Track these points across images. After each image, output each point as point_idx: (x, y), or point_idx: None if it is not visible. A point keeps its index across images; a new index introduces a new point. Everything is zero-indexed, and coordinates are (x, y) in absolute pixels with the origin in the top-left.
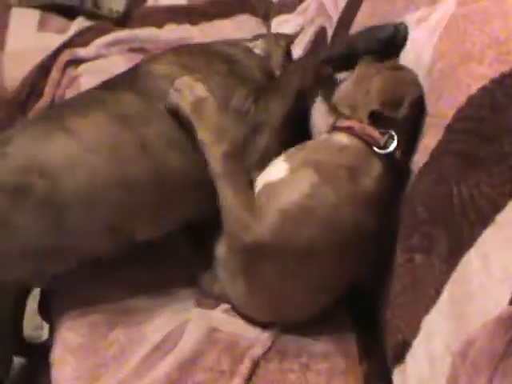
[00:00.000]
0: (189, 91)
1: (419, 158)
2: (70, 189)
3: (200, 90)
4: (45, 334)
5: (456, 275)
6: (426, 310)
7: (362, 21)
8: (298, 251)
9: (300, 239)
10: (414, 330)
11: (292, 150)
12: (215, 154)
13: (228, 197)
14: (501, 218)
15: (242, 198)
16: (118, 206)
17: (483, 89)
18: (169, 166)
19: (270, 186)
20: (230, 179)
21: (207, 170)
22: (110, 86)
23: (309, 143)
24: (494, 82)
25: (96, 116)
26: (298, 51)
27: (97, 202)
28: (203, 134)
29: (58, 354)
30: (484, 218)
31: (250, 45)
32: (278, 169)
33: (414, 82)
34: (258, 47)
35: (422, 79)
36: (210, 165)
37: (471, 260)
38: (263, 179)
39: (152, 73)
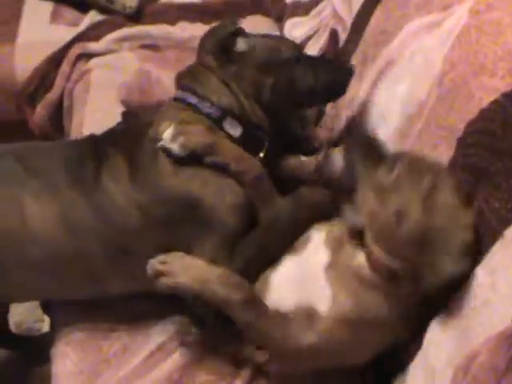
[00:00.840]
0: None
1: None
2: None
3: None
4: (45, 327)
5: (462, 291)
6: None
7: (376, 25)
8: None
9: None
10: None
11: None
12: (236, 308)
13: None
14: (509, 233)
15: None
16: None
17: (495, 102)
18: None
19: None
20: (261, 322)
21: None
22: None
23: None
24: (505, 95)
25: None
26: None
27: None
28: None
29: (59, 348)
30: (492, 233)
31: None
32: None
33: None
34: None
35: (432, 88)
36: (238, 318)
37: (477, 275)
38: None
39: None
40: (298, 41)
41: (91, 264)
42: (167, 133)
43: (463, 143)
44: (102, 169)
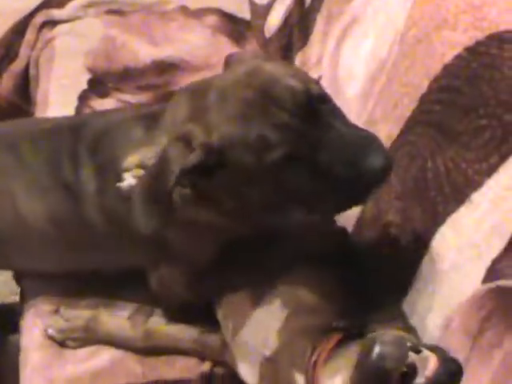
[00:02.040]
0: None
1: (393, 130)
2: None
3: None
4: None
5: (430, 252)
6: (405, 288)
7: None
8: None
9: None
10: None
11: None
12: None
13: None
14: (477, 197)
15: None
16: None
17: (458, 57)
18: None
19: None
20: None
21: None
22: None
23: None
24: (468, 50)
25: None
26: (277, 17)
27: None
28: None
29: (28, 320)
30: (459, 194)
31: None
32: None
33: None
34: None
35: (393, 45)
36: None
37: (445, 237)
38: None
39: None
40: (264, 3)
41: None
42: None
43: (427, 100)
44: (77, 171)
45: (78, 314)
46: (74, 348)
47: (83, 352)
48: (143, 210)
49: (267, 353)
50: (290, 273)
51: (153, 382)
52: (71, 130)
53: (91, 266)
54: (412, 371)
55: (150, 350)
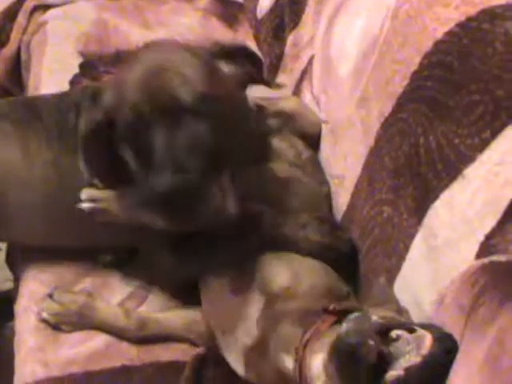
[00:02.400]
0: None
1: (385, 107)
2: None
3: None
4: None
5: (424, 229)
6: (398, 266)
7: None
8: None
9: None
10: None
11: None
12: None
13: None
14: (469, 172)
15: None
16: None
17: (449, 33)
18: None
19: None
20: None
21: None
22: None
23: None
24: (460, 26)
25: None
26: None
27: None
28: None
29: (22, 304)
30: (451, 170)
31: None
32: None
33: None
34: None
35: (385, 22)
36: None
37: (438, 213)
38: None
39: None
40: None
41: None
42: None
43: (419, 76)
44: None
45: (73, 299)
46: (68, 332)
47: (78, 335)
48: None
49: (249, 342)
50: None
51: (148, 364)
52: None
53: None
54: (386, 361)
55: (144, 338)
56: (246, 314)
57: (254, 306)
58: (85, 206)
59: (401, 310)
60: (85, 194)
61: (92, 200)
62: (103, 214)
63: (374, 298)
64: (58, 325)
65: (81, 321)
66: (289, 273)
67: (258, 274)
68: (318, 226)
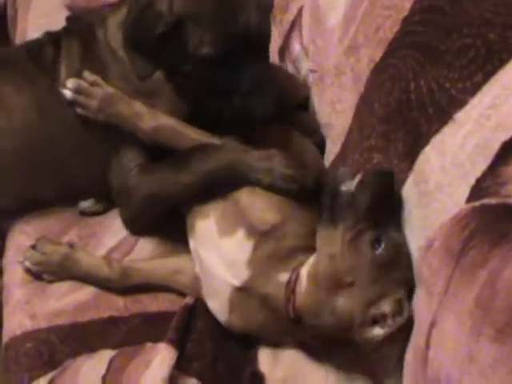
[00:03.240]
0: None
1: (375, 53)
2: None
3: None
4: None
5: (414, 174)
6: None
7: None
8: None
9: None
10: None
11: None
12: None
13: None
14: (460, 116)
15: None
16: None
17: None
18: None
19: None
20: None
21: None
22: None
23: None
24: None
25: None
26: None
27: None
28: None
29: (9, 258)
30: (443, 114)
31: None
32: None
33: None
34: None
35: None
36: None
37: (429, 158)
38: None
39: None
40: None
41: (59, 152)
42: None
43: (410, 21)
44: (59, 52)
45: (55, 250)
46: (51, 282)
47: (65, 287)
48: (130, 59)
49: (237, 283)
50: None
51: (135, 314)
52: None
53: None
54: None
55: (128, 288)
56: (234, 259)
57: (243, 251)
58: (68, 94)
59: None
60: (71, 83)
61: (77, 91)
62: (83, 108)
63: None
64: (40, 274)
65: (63, 271)
66: (273, 210)
67: (242, 213)
68: (283, 159)
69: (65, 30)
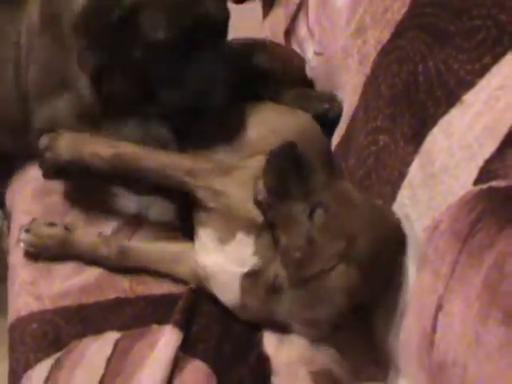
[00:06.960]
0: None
1: (383, 35)
2: None
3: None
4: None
5: (421, 156)
6: (393, 194)
7: None
8: None
9: None
10: None
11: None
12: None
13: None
14: (469, 97)
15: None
16: None
17: None
18: None
19: None
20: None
21: None
22: None
23: None
24: None
25: None
26: None
27: None
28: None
29: (14, 237)
30: (451, 96)
31: None
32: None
33: None
34: None
35: None
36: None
37: (435, 139)
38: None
39: None
40: None
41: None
42: None
43: (419, 3)
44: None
45: (50, 234)
46: (54, 262)
47: (70, 268)
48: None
49: (245, 270)
50: None
51: (141, 296)
52: None
53: None
54: None
55: (129, 269)
56: (239, 255)
57: (246, 245)
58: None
59: None
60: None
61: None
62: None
63: None
64: (37, 254)
65: (61, 254)
66: None
67: (236, 216)
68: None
69: None
